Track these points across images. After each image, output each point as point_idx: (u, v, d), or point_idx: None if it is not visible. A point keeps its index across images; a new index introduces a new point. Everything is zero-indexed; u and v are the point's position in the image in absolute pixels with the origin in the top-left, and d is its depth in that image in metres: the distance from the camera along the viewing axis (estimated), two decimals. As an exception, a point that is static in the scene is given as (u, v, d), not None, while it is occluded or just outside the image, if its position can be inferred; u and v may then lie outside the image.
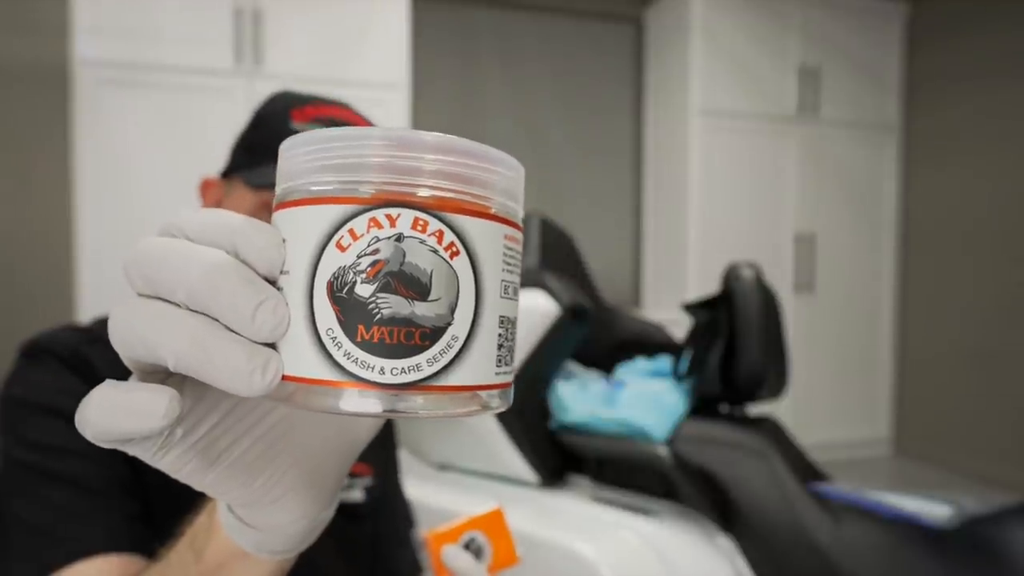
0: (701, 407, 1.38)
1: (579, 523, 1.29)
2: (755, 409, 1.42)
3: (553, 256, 1.54)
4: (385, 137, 0.23)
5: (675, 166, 3.70)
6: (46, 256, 2.85)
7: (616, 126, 4.00)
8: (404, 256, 0.23)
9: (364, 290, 0.23)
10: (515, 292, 0.27)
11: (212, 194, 0.69)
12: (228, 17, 2.79)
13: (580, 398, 1.39)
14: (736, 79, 3.61)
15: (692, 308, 1.46)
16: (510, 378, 0.27)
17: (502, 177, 0.25)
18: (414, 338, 0.23)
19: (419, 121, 3.48)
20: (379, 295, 0.23)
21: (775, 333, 1.36)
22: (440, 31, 3.60)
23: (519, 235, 0.27)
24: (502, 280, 0.25)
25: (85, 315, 2.63)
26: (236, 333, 0.23)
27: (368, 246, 0.23)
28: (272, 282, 0.25)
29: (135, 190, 2.71)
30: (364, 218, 0.23)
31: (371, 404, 0.23)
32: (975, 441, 3.51)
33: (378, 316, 0.23)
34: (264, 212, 0.62)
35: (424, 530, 0.59)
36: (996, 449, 3.40)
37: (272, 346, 0.24)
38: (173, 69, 2.75)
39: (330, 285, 0.23)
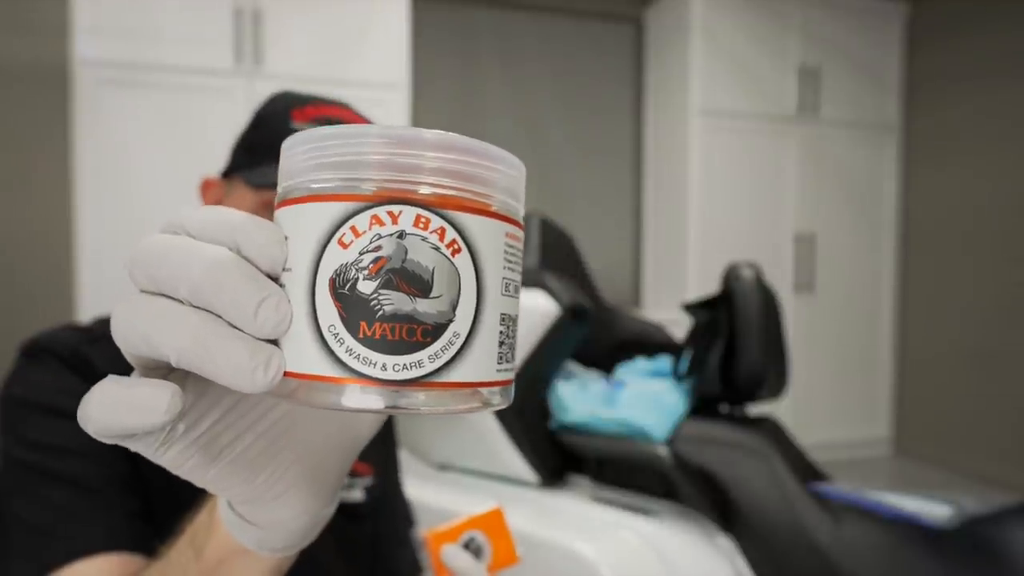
0: (701, 407, 1.38)
1: (579, 523, 1.29)
2: (755, 409, 1.42)
3: (553, 256, 1.54)
4: (386, 135, 0.24)
5: (675, 166, 3.70)
6: (46, 256, 2.85)
7: (616, 126, 4.00)
8: (406, 253, 0.23)
9: (366, 287, 0.23)
10: (516, 290, 0.27)
11: (212, 194, 0.69)
12: (228, 17, 2.79)
13: (580, 398, 1.39)
14: (736, 79, 3.61)
15: (692, 308, 1.46)
16: (511, 375, 0.27)
17: (503, 175, 0.25)
18: (416, 335, 0.23)
19: (419, 121, 3.47)
20: (381, 292, 0.23)
21: (775, 333, 1.36)
22: (440, 31, 3.60)
23: (520, 233, 0.27)
24: (503, 277, 0.25)
25: (85, 315, 2.63)
26: (239, 330, 0.24)
27: (370, 243, 0.23)
28: (274, 279, 0.25)
29: (135, 190, 2.71)
30: (366, 215, 0.23)
31: (373, 400, 0.23)
32: (975, 441, 3.51)
33: (380, 313, 0.23)
34: (265, 212, 0.62)
35: (424, 530, 0.59)
36: (996, 449, 3.40)
37: (275, 343, 0.24)
38: (173, 69, 2.75)
39: (332, 282, 0.23)
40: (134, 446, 0.26)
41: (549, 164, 3.85)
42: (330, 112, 0.65)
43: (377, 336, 0.23)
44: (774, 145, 3.69)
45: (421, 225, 0.23)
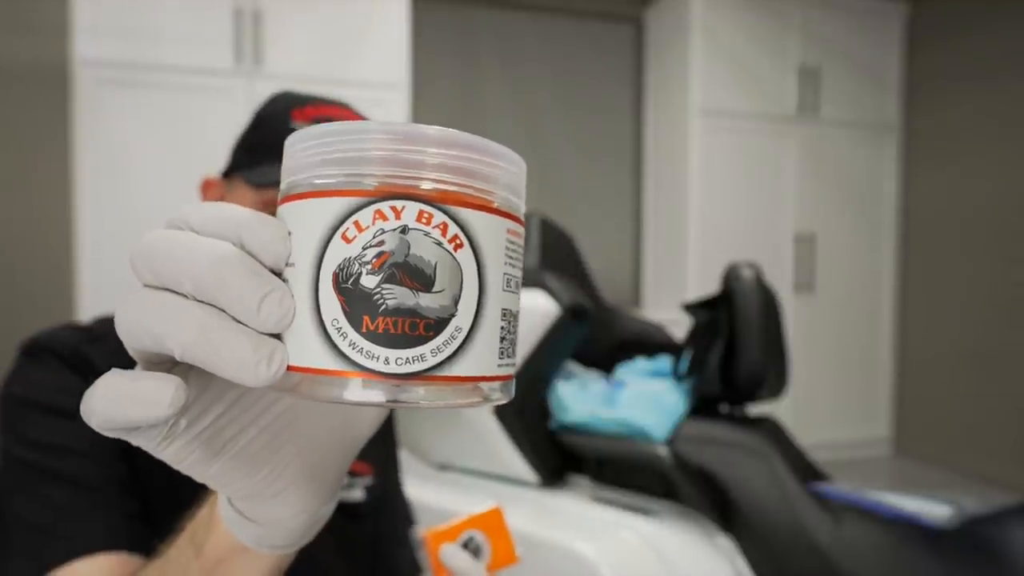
0: (701, 407, 1.38)
1: (579, 523, 1.29)
2: (755, 409, 1.42)
3: (553, 256, 1.54)
4: (389, 131, 0.24)
5: (675, 166, 3.70)
6: (46, 256, 2.85)
7: (616, 126, 4.00)
8: (409, 248, 0.23)
9: (369, 281, 0.23)
10: (517, 286, 0.27)
11: (213, 194, 0.69)
12: (228, 17, 2.79)
13: (580, 398, 1.39)
14: (736, 79, 3.61)
15: (692, 308, 1.46)
16: (512, 371, 0.27)
17: (504, 171, 0.26)
18: (419, 329, 0.23)
19: (419, 121, 3.46)
20: (384, 286, 0.23)
21: (775, 333, 1.36)
22: (440, 31, 3.60)
23: (521, 229, 0.27)
24: (504, 273, 0.25)
25: (85, 314, 2.63)
26: (242, 324, 0.24)
27: (373, 238, 0.23)
28: (277, 274, 0.25)
29: (135, 190, 2.71)
30: (369, 210, 0.23)
31: (374, 394, 0.23)
32: (975, 441, 3.51)
33: (383, 307, 0.23)
34: (265, 211, 0.62)
35: (423, 529, 0.59)
36: (996, 449, 3.40)
37: (278, 337, 0.24)
38: (173, 69, 2.75)
39: (336, 276, 0.23)
40: (136, 440, 0.26)
41: (549, 164, 3.85)
42: (330, 112, 0.65)
43: (380, 330, 0.23)
44: (774, 145, 3.69)
45: (424, 220, 0.23)
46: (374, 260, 0.23)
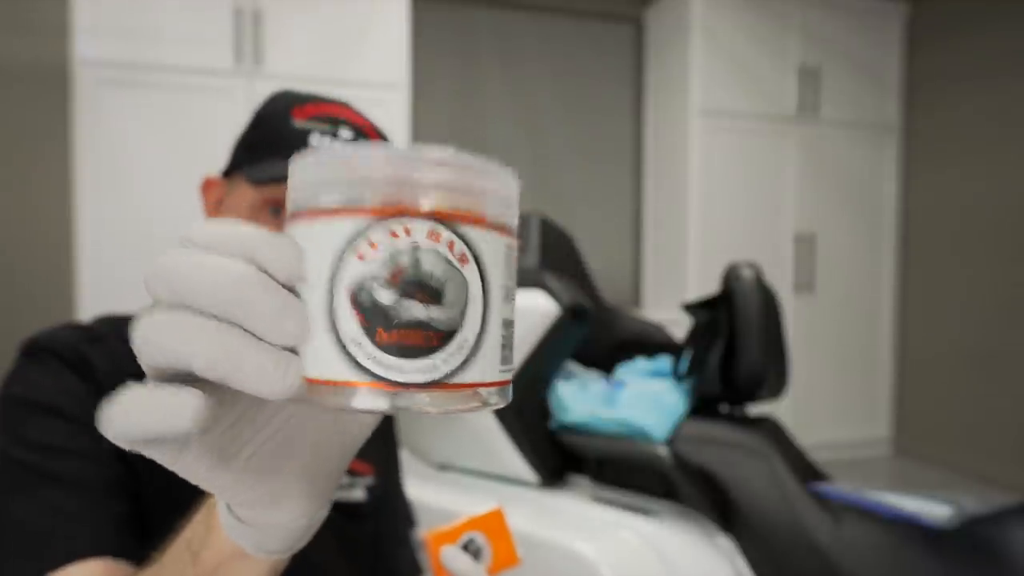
0: (701, 407, 1.38)
1: (579, 523, 1.29)
2: (755, 409, 1.42)
3: (553, 256, 1.54)
4: (397, 153, 0.25)
5: (675, 166, 3.70)
6: (46, 256, 2.85)
7: (616, 126, 4.00)
8: (420, 264, 0.25)
9: (384, 296, 0.24)
10: (513, 296, 0.29)
11: (214, 193, 0.69)
12: (228, 17, 2.79)
13: (580, 398, 1.39)
14: (736, 79, 3.61)
15: (692, 308, 1.46)
16: (510, 376, 0.29)
17: (503, 190, 0.27)
18: (431, 340, 0.25)
19: (419, 121, 3.47)
20: (398, 300, 0.24)
21: (775, 333, 1.36)
22: (440, 31, 3.60)
23: (515, 243, 0.29)
24: (504, 285, 0.27)
25: (85, 315, 2.63)
26: (260, 339, 0.25)
27: (387, 256, 0.24)
28: (289, 290, 0.26)
29: (135, 190, 2.71)
30: (382, 230, 0.25)
31: (383, 402, 0.25)
32: (975, 441, 3.51)
33: (397, 320, 0.24)
34: (266, 208, 0.62)
35: (424, 530, 0.59)
36: (996, 449, 3.40)
37: (290, 350, 0.26)
38: (173, 69, 2.75)
39: (352, 292, 0.25)
40: (151, 452, 0.27)
41: (549, 164, 3.85)
42: (330, 110, 0.65)
43: (395, 342, 0.24)
44: (774, 145, 3.69)
45: (433, 238, 0.25)
46: (389, 276, 0.24)
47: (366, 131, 0.65)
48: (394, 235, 0.24)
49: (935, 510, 1.12)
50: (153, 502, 0.57)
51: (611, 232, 4.01)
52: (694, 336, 1.43)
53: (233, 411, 0.29)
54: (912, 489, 1.64)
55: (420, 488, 1.37)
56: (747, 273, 1.35)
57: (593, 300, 1.60)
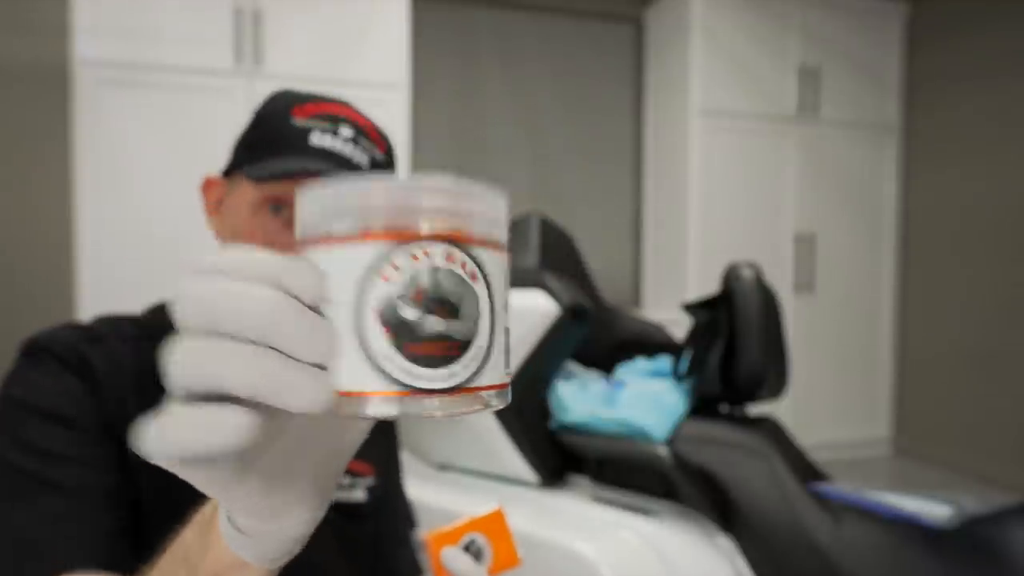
0: (701, 407, 1.38)
1: (579, 523, 1.29)
2: (755, 409, 1.42)
3: (553, 256, 1.54)
4: (407, 183, 0.28)
5: (675, 166, 3.70)
6: (46, 256, 2.85)
7: (616, 126, 4.00)
8: (439, 283, 0.27)
9: (409, 313, 0.27)
10: (508, 306, 0.32)
11: (214, 193, 0.69)
12: (228, 17, 2.79)
13: (580, 398, 1.39)
14: (736, 79, 3.61)
15: (692, 308, 1.46)
16: (509, 379, 0.31)
17: (496, 211, 0.30)
18: (452, 350, 0.28)
19: (419, 121, 3.48)
20: (422, 316, 0.27)
21: (775, 333, 1.36)
22: (440, 31, 3.60)
23: (508, 256, 0.32)
24: (504, 296, 0.30)
25: (85, 314, 2.63)
26: (295, 359, 0.26)
27: (410, 277, 0.27)
28: (313, 310, 0.28)
29: (135, 190, 2.71)
30: (404, 253, 0.27)
31: (409, 408, 0.27)
32: (975, 441, 3.51)
33: (422, 334, 0.27)
34: (266, 205, 0.62)
35: (424, 531, 0.59)
36: (996, 449, 3.40)
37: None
38: (173, 69, 2.75)
39: (379, 310, 0.27)
40: (188, 470, 0.28)
41: (549, 164, 3.85)
42: (330, 109, 0.65)
43: (421, 353, 0.27)
44: (774, 145, 3.69)
45: (449, 259, 0.28)
46: (413, 295, 0.27)
47: (367, 130, 0.65)
48: (415, 258, 0.27)
49: (935, 510, 1.12)
50: (151, 508, 0.57)
51: (611, 232, 4.01)
52: (694, 336, 1.43)
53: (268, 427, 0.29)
54: (912, 489, 1.64)
55: (420, 488, 1.37)
56: (747, 273, 1.35)
57: (593, 300, 1.60)
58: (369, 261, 0.27)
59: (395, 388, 0.27)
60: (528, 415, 1.42)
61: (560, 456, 1.45)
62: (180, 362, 0.26)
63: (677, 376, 1.41)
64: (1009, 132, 3.35)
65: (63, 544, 0.51)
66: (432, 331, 0.27)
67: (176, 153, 2.74)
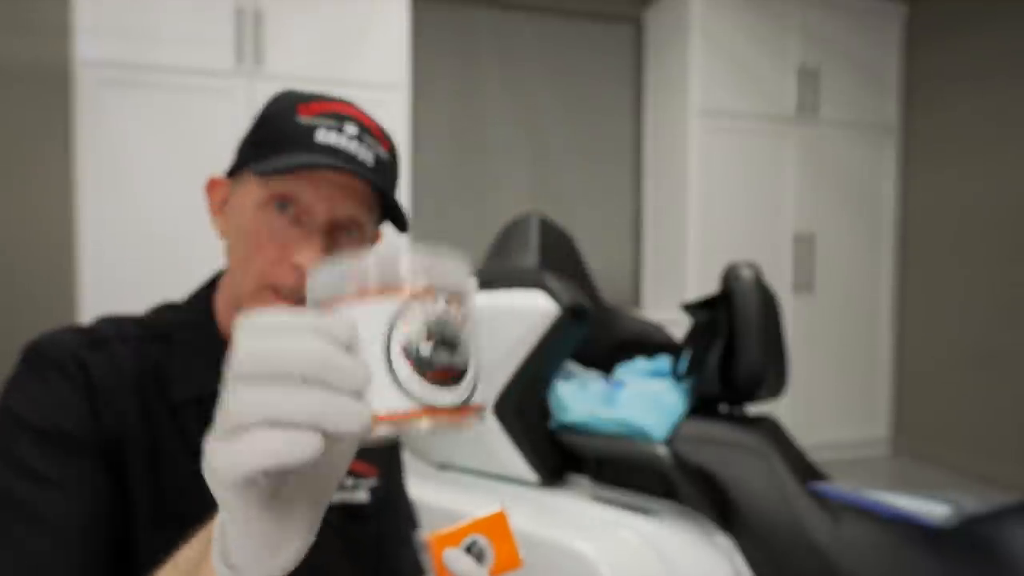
0: (701, 407, 1.39)
1: (579, 523, 1.30)
2: (755, 409, 1.42)
3: (553, 256, 1.55)
4: (422, 255, 0.37)
5: (675, 166, 3.70)
6: (47, 256, 2.85)
7: (616, 126, 4.01)
8: (445, 327, 0.36)
9: (425, 349, 0.35)
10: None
11: (219, 193, 0.69)
12: (228, 17, 2.79)
13: (580, 398, 1.39)
14: (736, 79, 3.61)
15: (692, 308, 1.46)
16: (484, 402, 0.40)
17: (467, 269, 0.40)
18: (456, 376, 0.36)
19: (419, 121, 3.48)
20: (434, 351, 0.35)
21: (774, 333, 1.36)
22: (440, 31, 3.60)
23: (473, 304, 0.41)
24: (477, 335, 0.39)
25: (87, 315, 2.64)
26: (339, 390, 0.32)
27: (423, 323, 0.35)
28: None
29: (135, 190, 2.71)
30: (419, 306, 0.36)
31: (421, 424, 0.35)
32: (974, 441, 3.51)
33: (435, 364, 0.35)
34: (272, 203, 0.61)
35: (426, 532, 0.59)
36: (996, 449, 3.40)
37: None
38: (173, 69, 2.75)
39: (404, 348, 0.35)
40: (237, 492, 0.33)
41: (549, 164, 3.85)
42: (336, 108, 0.65)
43: (436, 379, 0.35)
44: (773, 145, 3.69)
45: (450, 306, 0.37)
46: (427, 336, 0.35)
47: (372, 130, 0.65)
48: (426, 308, 0.36)
49: (934, 510, 1.12)
50: (146, 520, 0.57)
51: (611, 232, 4.02)
52: (693, 336, 1.44)
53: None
54: (912, 489, 1.64)
55: (420, 488, 1.37)
56: (746, 273, 1.35)
57: (593, 300, 1.61)
58: (392, 312, 0.35)
59: (420, 407, 0.35)
60: (528, 415, 1.42)
61: (560, 456, 1.45)
62: (245, 401, 0.31)
63: (676, 376, 1.42)
64: (1008, 132, 3.35)
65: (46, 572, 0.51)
66: (442, 362, 0.35)
67: (177, 153, 2.74)
